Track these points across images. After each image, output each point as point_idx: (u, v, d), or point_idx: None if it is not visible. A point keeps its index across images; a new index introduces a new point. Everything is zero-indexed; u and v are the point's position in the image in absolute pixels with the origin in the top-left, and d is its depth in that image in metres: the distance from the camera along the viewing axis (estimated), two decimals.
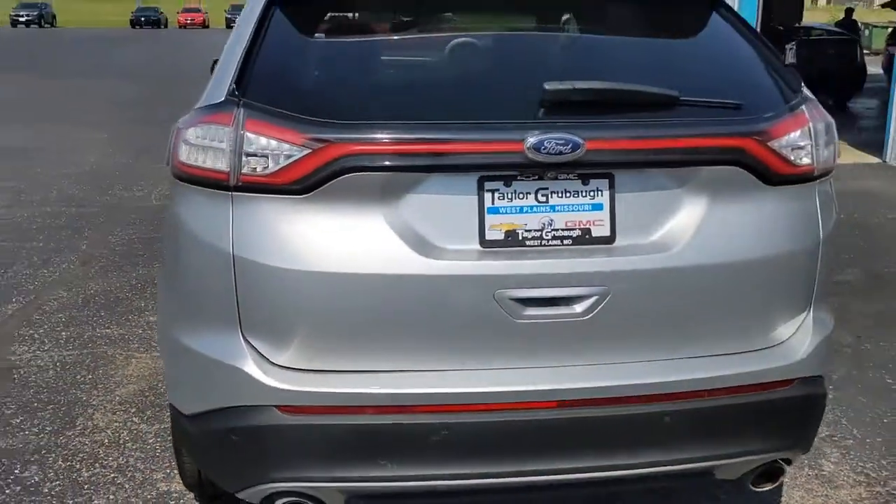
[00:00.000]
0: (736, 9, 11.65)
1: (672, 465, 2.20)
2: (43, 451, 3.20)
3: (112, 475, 3.05)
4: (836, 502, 2.92)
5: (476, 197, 2.06)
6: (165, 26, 57.44)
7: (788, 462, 2.37)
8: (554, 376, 2.08)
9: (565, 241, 2.09)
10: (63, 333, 4.38)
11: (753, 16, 12.47)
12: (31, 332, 4.40)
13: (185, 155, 2.14)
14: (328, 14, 2.35)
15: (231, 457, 2.17)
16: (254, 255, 2.04)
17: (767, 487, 2.44)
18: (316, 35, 2.33)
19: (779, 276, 2.21)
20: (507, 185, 2.07)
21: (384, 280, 2.03)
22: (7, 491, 2.94)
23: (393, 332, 2.06)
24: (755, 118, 2.16)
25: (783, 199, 2.20)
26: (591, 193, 2.10)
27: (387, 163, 2.02)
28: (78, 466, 3.10)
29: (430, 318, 2.05)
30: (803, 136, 2.21)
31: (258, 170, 2.03)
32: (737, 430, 2.22)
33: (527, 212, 2.09)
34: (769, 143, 2.15)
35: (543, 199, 2.09)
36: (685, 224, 2.13)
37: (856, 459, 3.18)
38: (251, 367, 2.07)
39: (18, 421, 3.44)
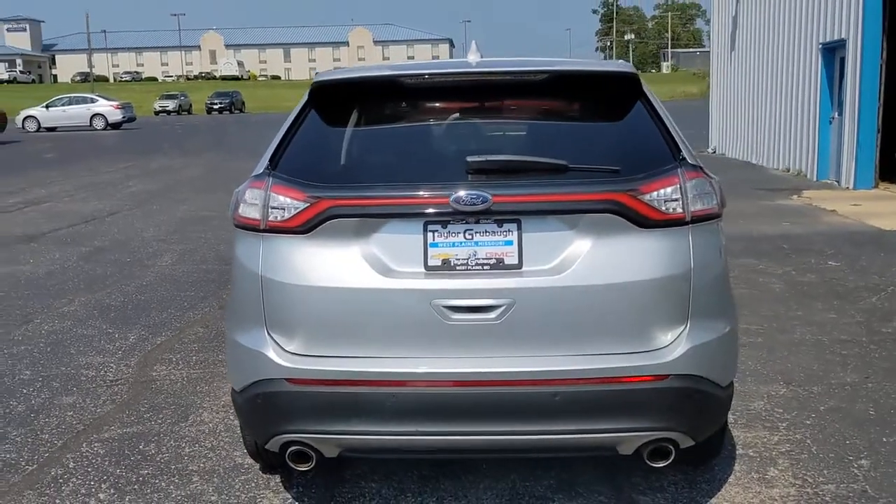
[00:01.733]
0: (857, 77, 11.93)
1: (569, 434, 2.92)
2: (161, 435, 4.29)
3: (205, 451, 4.08)
4: (765, 498, 3.46)
5: (422, 236, 2.95)
6: None
7: (675, 444, 3.01)
8: (473, 363, 2.89)
9: (485, 267, 2.93)
10: (194, 358, 5.55)
11: (875, 83, 12.56)
12: (171, 356, 5.61)
13: (241, 209, 3.16)
14: (333, 116, 3.32)
15: (258, 416, 3.12)
16: (273, 275, 3.02)
17: (661, 464, 3.08)
18: (323, 128, 3.30)
19: (653, 295, 2.92)
20: (444, 227, 2.95)
21: (357, 292, 2.94)
22: (132, 458, 4.02)
23: (363, 329, 2.95)
24: (629, 179, 2.93)
25: (656, 238, 2.93)
26: (504, 233, 2.94)
27: (359, 212, 2.95)
28: (183, 445, 4.16)
29: (387, 319, 2.93)
30: (675, 191, 2.95)
31: (277, 218, 3.02)
32: (620, 411, 2.91)
33: (458, 246, 2.95)
34: (640, 197, 2.90)
35: (470, 237, 2.94)
36: (575, 255, 2.91)
37: (801, 469, 3.69)
38: (271, 353, 3.02)
39: (148, 415, 4.57)
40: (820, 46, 14.27)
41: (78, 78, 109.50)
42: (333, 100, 3.35)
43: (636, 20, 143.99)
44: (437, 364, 2.91)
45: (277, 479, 3.74)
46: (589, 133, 3.30)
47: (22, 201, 14.17)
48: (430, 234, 2.95)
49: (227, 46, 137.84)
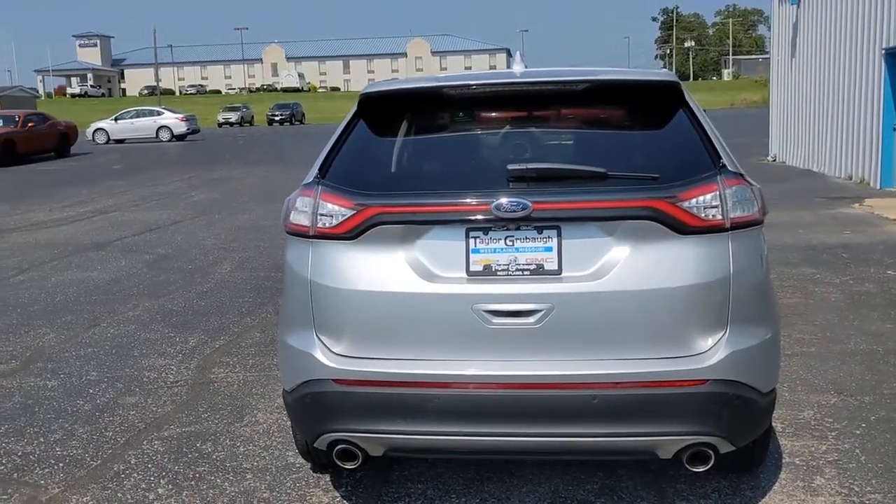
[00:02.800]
0: None
1: (607, 437, 2.97)
2: (217, 434, 4.46)
3: (259, 451, 4.22)
4: None
5: (464, 242, 3.04)
6: None
7: (714, 449, 3.03)
8: (513, 367, 2.97)
9: (525, 273, 3.01)
10: (250, 361, 5.73)
11: None
12: (228, 359, 5.80)
13: (292, 217, 3.30)
14: (380, 126, 3.44)
15: (307, 415, 3.24)
16: (322, 280, 3.14)
17: (700, 468, 3.10)
18: (370, 138, 3.42)
19: (691, 301, 2.96)
20: (486, 233, 3.03)
21: (401, 297, 3.05)
22: (189, 455, 4.19)
23: (406, 332, 3.05)
24: (669, 186, 2.97)
25: (694, 245, 2.97)
26: (544, 239, 3.01)
27: (404, 218, 3.06)
28: (238, 444, 4.31)
29: (430, 323, 3.03)
30: (714, 199, 2.98)
31: (326, 224, 3.14)
32: (658, 415, 2.95)
33: (499, 252, 3.03)
34: (678, 204, 2.95)
35: (510, 243, 3.02)
36: (613, 261, 2.96)
37: (848, 478, 3.66)
38: (319, 354, 3.14)
39: (206, 415, 4.74)
40: (883, 52, 13.95)
41: (145, 91, 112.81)
42: (381, 110, 3.47)
43: (696, 27, 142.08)
44: (477, 367, 2.99)
45: (327, 478, 3.86)
46: (630, 141, 3.36)
47: (91, 210, 14.70)
48: (472, 241, 3.04)
49: (289, 59, 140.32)
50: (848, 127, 15.63)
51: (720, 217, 2.98)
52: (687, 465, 3.10)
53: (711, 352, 2.97)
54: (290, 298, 3.31)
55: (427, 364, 3.03)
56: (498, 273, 3.02)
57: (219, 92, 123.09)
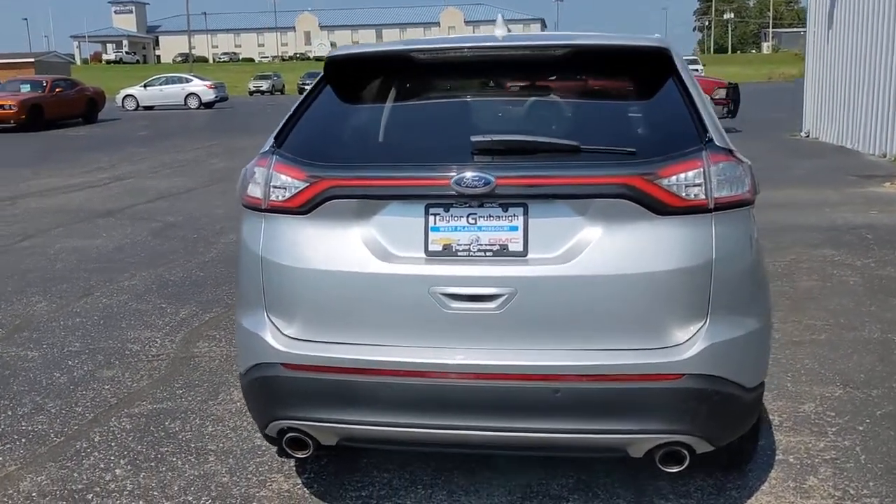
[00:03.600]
0: None
1: (570, 433, 2.74)
2: (188, 412, 4.30)
3: (227, 431, 4.05)
4: None
5: (423, 219, 2.80)
6: None
7: (690, 449, 2.79)
8: (471, 355, 2.74)
9: (487, 254, 2.77)
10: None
11: None
12: (215, 333, 5.64)
13: (247, 188, 3.08)
14: (344, 93, 3.19)
15: (257, 400, 3.05)
16: (273, 256, 2.93)
17: (674, 469, 2.86)
18: (333, 105, 3.17)
19: (668, 288, 2.70)
20: (446, 210, 2.79)
21: (354, 277, 2.83)
22: (155, 435, 4.04)
23: (359, 315, 2.83)
24: (647, 161, 2.70)
25: (674, 226, 2.70)
26: (509, 218, 2.76)
27: (359, 192, 2.83)
28: (207, 424, 4.15)
29: (384, 306, 2.81)
30: (696, 176, 2.71)
31: (279, 197, 2.93)
32: (627, 411, 2.71)
33: (460, 231, 2.79)
34: (656, 182, 2.68)
35: (473, 221, 2.78)
36: (584, 243, 2.71)
37: (845, 479, 3.40)
38: (269, 336, 2.93)
39: (181, 392, 4.59)
40: None
41: (179, 59, 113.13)
42: (348, 76, 3.23)
43: None
44: (432, 354, 2.77)
45: (291, 463, 3.68)
46: (612, 112, 3.08)
47: (109, 177, 14.66)
48: (431, 218, 2.80)
49: (322, 27, 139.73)
50: (883, 103, 15.04)
51: (703, 196, 2.71)
52: (660, 465, 2.86)
53: (689, 343, 2.71)
54: (243, 276, 3.11)
55: (380, 350, 2.81)
56: (458, 253, 2.78)
57: (252, 60, 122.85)
